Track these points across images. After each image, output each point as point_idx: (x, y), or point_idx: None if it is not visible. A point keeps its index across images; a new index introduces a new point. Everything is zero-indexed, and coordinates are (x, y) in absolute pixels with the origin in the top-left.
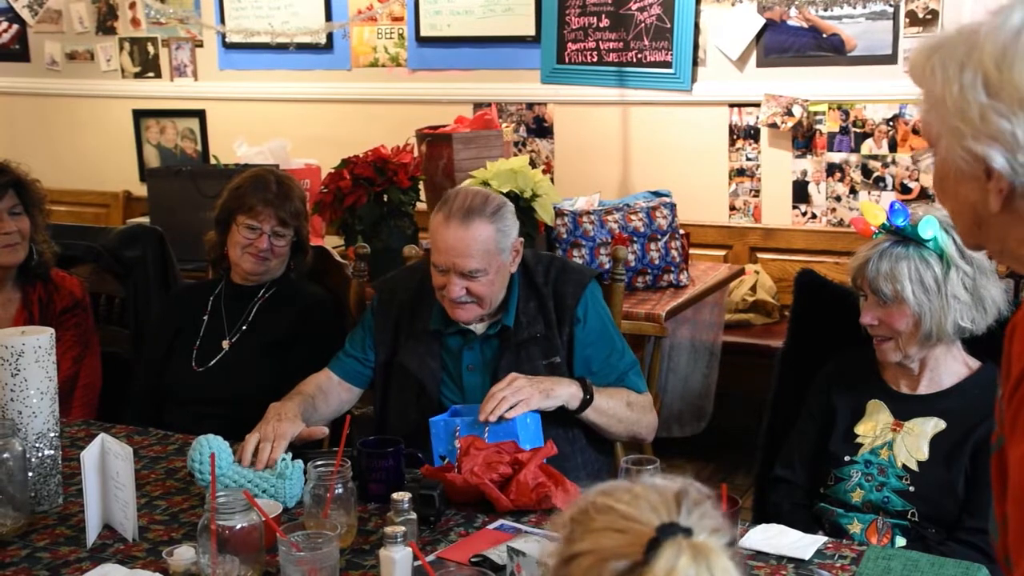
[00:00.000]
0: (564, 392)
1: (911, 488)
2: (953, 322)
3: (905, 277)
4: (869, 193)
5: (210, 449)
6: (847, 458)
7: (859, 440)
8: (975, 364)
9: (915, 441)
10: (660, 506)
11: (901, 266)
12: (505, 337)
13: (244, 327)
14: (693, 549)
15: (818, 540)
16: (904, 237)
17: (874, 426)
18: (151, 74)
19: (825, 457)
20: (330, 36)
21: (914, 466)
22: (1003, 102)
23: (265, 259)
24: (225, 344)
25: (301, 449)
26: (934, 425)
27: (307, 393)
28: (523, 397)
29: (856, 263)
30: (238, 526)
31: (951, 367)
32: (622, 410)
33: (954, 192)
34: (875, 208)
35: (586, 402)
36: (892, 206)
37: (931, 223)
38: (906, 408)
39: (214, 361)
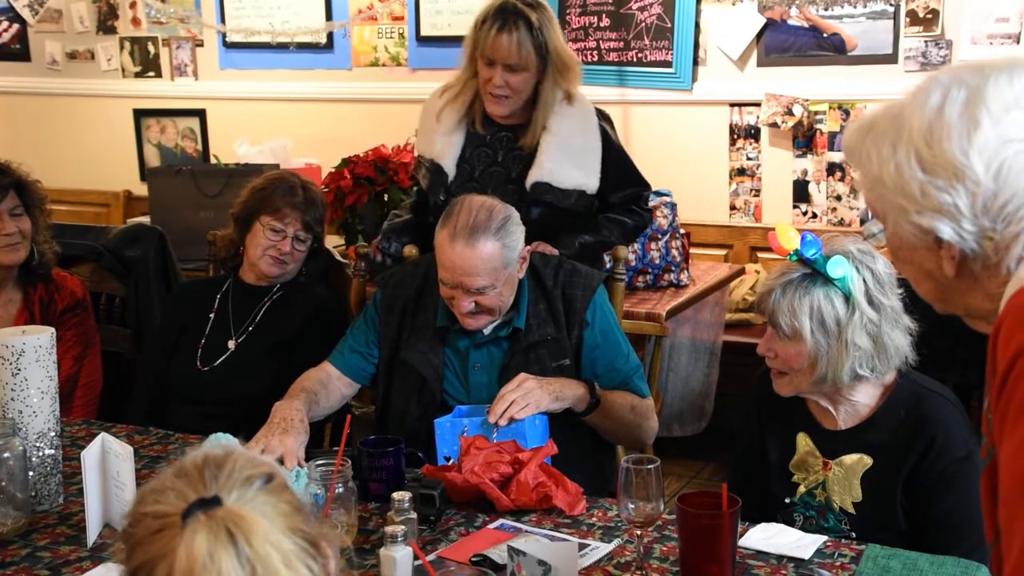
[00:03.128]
0: (572, 394)
1: (852, 534)
2: (850, 369)
3: (805, 315)
4: None
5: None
6: (787, 500)
7: (795, 479)
8: (889, 379)
9: (847, 480)
10: (186, 488)
11: (804, 302)
12: (515, 339)
13: (251, 327)
14: (211, 521)
15: (818, 539)
16: (814, 270)
17: (805, 463)
18: (152, 73)
19: (767, 497)
20: (330, 36)
21: (851, 508)
22: (939, 176)
23: (285, 262)
24: (231, 344)
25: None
26: (861, 461)
27: (310, 390)
28: (533, 399)
29: (760, 290)
30: None
31: (866, 392)
32: (626, 414)
33: (910, 261)
34: (789, 231)
35: (592, 405)
36: (804, 237)
37: (841, 263)
38: (831, 446)
39: (219, 361)
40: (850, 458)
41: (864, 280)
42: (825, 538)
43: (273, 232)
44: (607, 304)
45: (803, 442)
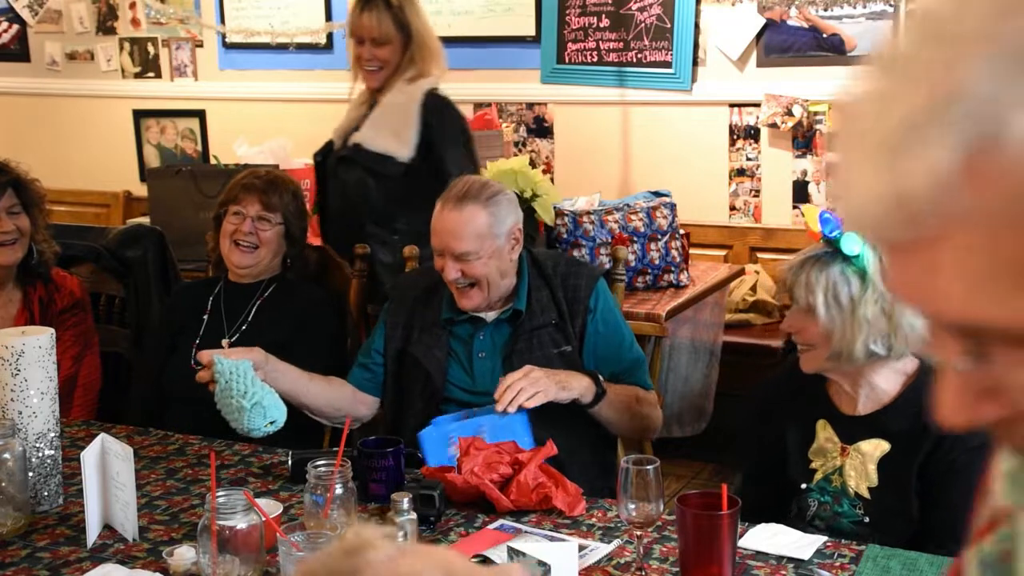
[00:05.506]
0: (578, 384)
1: (866, 519)
2: (863, 345)
3: (820, 289)
4: None
5: (232, 367)
6: (804, 485)
7: (813, 466)
8: (911, 367)
9: (863, 466)
10: None
11: (820, 277)
12: (517, 323)
13: (244, 327)
14: None
15: (818, 540)
16: (835, 248)
17: (823, 449)
18: (151, 74)
19: (784, 484)
20: (330, 36)
21: (866, 493)
22: None
23: (251, 248)
24: (225, 343)
25: (302, 451)
26: (879, 447)
27: (310, 373)
28: (540, 388)
29: (784, 266)
30: (238, 526)
31: (888, 378)
32: (632, 404)
33: None
34: (816, 212)
35: (599, 396)
36: (821, 215)
37: (856, 240)
38: (850, 431)
39: None
40: (868, 444)
41: (880, 258)
42: (825, 538)
43: (234, 216)
44: (610, 295)
45: (823, 429)
